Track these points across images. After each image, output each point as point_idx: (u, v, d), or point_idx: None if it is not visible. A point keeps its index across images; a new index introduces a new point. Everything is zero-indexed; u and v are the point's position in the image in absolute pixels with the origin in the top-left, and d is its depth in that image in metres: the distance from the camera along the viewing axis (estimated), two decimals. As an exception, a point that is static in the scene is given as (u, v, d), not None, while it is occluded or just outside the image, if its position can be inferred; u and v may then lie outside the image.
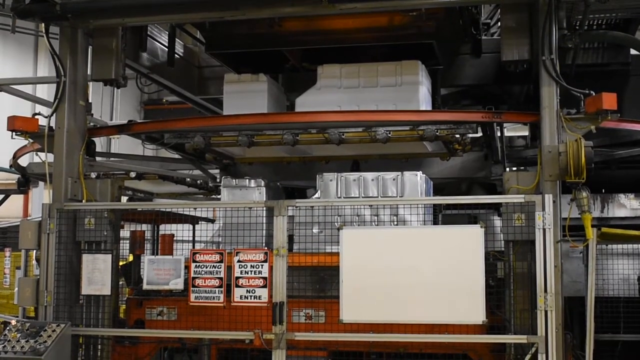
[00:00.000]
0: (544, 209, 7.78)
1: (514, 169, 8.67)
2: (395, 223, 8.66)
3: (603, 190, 10.08)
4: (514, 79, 9.51)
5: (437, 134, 8.78)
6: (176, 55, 11.09)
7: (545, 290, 7.68)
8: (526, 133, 11.13)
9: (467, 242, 7.84)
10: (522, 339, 7.82)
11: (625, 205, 9.71)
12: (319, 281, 8.55)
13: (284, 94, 10.43)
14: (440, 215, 9.29)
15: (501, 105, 9.81)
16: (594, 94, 8.03)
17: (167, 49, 10.77)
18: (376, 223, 8.68)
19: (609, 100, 7.88)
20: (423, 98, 9.12)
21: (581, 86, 8.15)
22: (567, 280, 8.62)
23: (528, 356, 7.72)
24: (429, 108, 9.34)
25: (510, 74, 9.31)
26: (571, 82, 8.24)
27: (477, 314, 7.77)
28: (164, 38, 10.81)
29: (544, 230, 7.76)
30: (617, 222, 9.45)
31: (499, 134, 9.88)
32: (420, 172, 9.00)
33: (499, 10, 9.88)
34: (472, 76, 10.16)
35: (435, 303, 7.86)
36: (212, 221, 11.85)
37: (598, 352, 8.11)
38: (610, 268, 9.61)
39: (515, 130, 11.21)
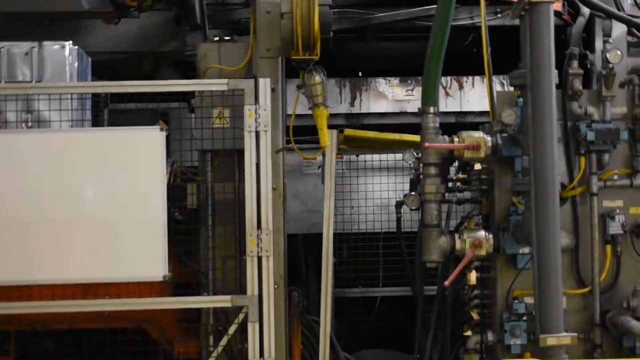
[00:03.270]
0: (257, 102, 5.60)
1: (217, 38, 6.39)
2: (29, 124, 6.15)
3: (360, 74, 7.68)
4: None
5: (95, -21, 6.15)
6: None
7: (259, 227, 5.55)
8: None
9: (141, 154, 5.64)
10: (224, 301, 5.60)
11: (386, 95, 7.23)
12: None
13: None
14: (107, 112, 6.60)
15: None
16: None
17: None
18: (-4, 123, 6.22)
19: None
20: None
21: None
22: (298, 210, 6.91)
23: (233, 327, 5.56)
24: None
25: None
26: None
27: (154, 267, 5.55)
28: None
29: (257, 133, 5.61)
30: (374, 119, 7.11)
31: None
32: (71, 42, 6.28)
33: None
34: None
35: (93, 250, 5.57)
36: None
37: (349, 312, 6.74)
38: (363, 190, 7.15)
39: (235, -24, 8.27)
